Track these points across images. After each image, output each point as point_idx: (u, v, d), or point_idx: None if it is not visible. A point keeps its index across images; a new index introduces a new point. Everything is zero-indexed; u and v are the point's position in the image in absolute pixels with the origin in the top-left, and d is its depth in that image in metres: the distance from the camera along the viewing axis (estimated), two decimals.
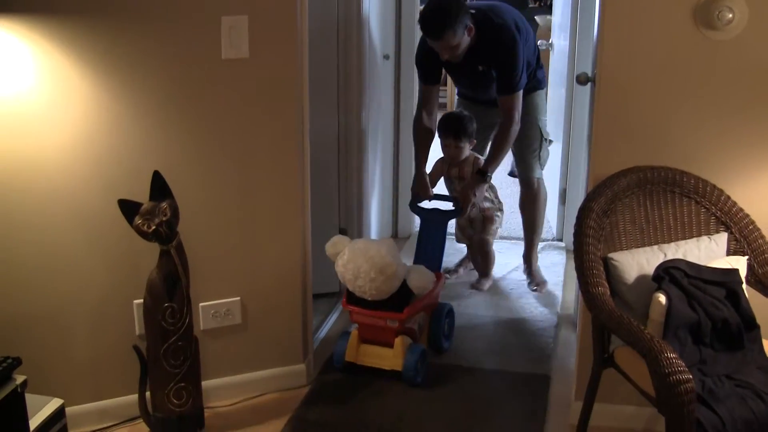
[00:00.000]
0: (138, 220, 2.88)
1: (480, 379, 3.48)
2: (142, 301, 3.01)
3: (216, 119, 3.06)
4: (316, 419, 3.19)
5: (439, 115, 4.20)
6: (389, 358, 3.40)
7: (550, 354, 3.68)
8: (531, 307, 4.14)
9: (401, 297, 3.35)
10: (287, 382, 3.40)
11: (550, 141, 4.32)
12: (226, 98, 3.05)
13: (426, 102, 4.12)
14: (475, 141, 4.14)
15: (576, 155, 4.70)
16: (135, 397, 3.10)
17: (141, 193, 2.89)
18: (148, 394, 3.10)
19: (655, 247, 2.74)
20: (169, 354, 3.01)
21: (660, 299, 2.53)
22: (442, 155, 4.24)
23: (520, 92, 3.92)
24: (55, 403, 2.63)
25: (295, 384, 3.42)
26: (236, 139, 3.11)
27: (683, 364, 2.27)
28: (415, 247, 3.89)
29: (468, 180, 4.10)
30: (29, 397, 2.55)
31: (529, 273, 4.47)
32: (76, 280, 3.02)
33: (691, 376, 2.25)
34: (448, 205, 4.10)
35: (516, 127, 3.94)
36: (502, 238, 4.96)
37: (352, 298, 3.39)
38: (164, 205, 2.89)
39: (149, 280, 2.97)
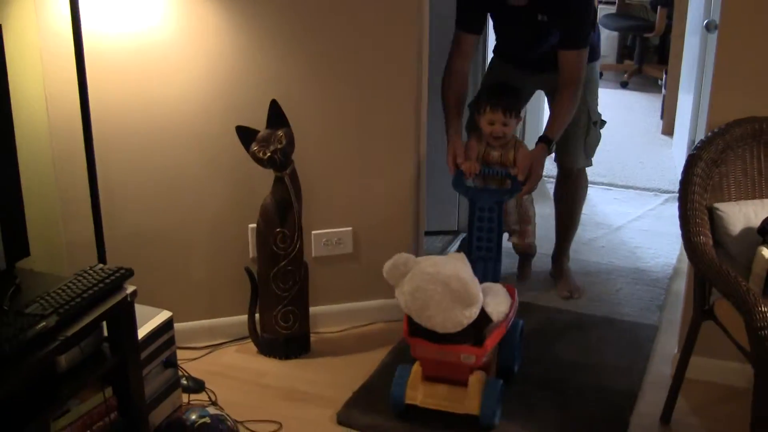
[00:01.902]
0: (254, 147, 3.00)
1: (587, 326, 3.47)
2: (255, 225, 3.15)
3: (335, 53, 3.13)
4: None
5: None
6: (463, 400, 2.79)
7: (661, 305, 3.63)
8: (647, 257, 4.08)
9: (479, 324, 2.74)
10: (394, 314, 3.47)
11: (602, 122, 3.60)
12: (345, 32, 3.11)
13: (464, 55, 3.31)
14: (521, 118, 3.43)
15: (706, 106, 4.55)
16: (245, 317, 3.26)
17: (259, 122, 3.00)
18: (257, 315, 3.26)
19: (766, 200, 2.67)
20: (278, 277, 3.15)
21: (764, 253, 2.48)
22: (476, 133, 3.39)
23: (586, 50, 3.27)
24: (164, 315, 2.78)
25: (401, 316, 3.50)
26: (354, 74, 3.17)
27: None
28: (466, 241, 3.21)
29: (533, 149, 3.29)
30: (141, 308, 2.71)
31: (558, 276, 3.80)
32: (194, 202, 3.17)
33: None
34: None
35: (580, 91, 3.29)
36: (624, 187, 4.90)
37: (416, 328, 2.77)
38: (280, 133, 3.00)
39: (263, 205, 3.10)
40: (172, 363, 2.83)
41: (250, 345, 3.30)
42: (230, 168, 3.14)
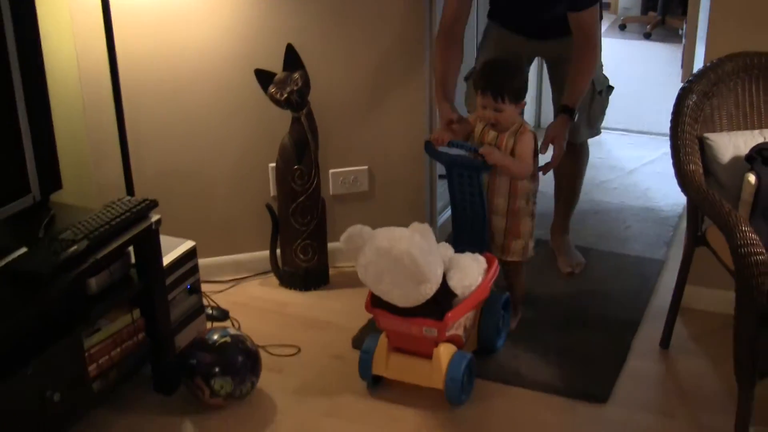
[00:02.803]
0: (272, 89, 3.17)
1: (594, 260, 3.61)
2: (275, 164, 3.33)
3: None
4: None
5: None
6: (427, 373, 2.75)
7: (668, 241, 3.76)
8: (658, 198, 4.20)
9: (441, 297, 2.69)
10: None
11: (609, 88, 3.36)
12: None
13: (456, 17, 3.09)
14: (525, 103, 2.95)
15: None
16: (267, 252, 3.45)
17: (276, 67, 3.17)
18: (278, 250, 3.45)
19: (756, 131, 2.78)
20: (297, 213, 3.33)
21: (750, 179, 2.60)
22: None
23: (597, 7, 3.04)
24: (187, 244, 2.97)
25: None
26: (368, 19, 3.32)
27: (757, 238, 2.35)
28: (451, 212, 3.07)
29: (554, 121, 3.10)
30: (166, 239, 2.91)
31: (559, 251, 3.58)
32: (216, 143, 3.36)
33: (763, 250, 2.33)
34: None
35: (598, 51, 3.13)
36: (639, 132, 5.02)
37: (378, 300, 2.73)
38: (296, 75, 3.17)
39: (281, 144, 3.28)
40: (196, 290, 3.03)
41: (273, 278, 3.49)
42: (250, 110, 3.31)
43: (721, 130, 2.81)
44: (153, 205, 2.73)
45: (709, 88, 2.79)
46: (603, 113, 3.41)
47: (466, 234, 3.01)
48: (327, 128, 3.36)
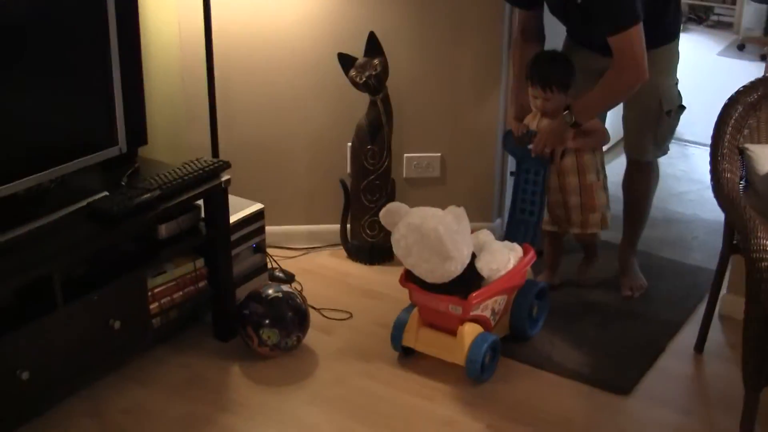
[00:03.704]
0: (352, 72, 3.42)
1: (653, 265, 3.69)
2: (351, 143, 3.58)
3: None
4: None
5: None
6: (452, 349, 2.92)
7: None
8: None
9: (470, 278, 2.85)
10: None
11: (681, 108, 3.29)
12: None
13: (522, 26, 3.27)
14: (571, 92, 3.13)
15: None
16: (338, 225, 3.70)
17: (358, 52, 3.41)
18: (348, 225, 3.69)
19: None
20: (367, 190, 3.57)
21: None
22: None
23: (634, 31, 2.89)
24: (256, 206, 3.25)
25: None
26: (447, 12, 3.52)
27: None
28: (511, 198, 3.25)
29: (555, 120, 3.13)
30: (239, 200, 3.22)
31: (622, 271, 3.52)
32: (299, 119, 3.63)
33: None
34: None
35: (629, 80, 2.97)
36: None
37: (412, 275, 2.92)
38: (376, 61, 3.41)
39: (358, 124, 3.53)
40: (261, 249, 3.31)
41: (341, 250, 3.74)
42: (332, 91, 3.57)
43: (766, 143, 2.89)
44: (225, 166, 3.02)
45: (757, 101, 2.87)
46: (672, 133, 3.38)
47: (516, 231, 3.19)
48: (404, 114, 3.58)
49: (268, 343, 2.99)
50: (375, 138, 3.48)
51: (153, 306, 2.89)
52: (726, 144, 2.81)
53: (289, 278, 3.50)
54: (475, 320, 2.92)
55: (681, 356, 3.14)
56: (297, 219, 3.76)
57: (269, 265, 3.43)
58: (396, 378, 2.99)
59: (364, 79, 3.38)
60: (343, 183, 3.63)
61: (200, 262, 3.03)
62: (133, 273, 2.81)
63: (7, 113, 2.58)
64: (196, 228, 3.02)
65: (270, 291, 3.05)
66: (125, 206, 2.71)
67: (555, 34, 3.34)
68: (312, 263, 3.69)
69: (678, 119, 3.34)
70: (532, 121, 3.21)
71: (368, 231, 3.62)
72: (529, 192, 3.18)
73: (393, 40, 3.45)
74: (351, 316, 3.31)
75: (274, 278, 3.43)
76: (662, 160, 4.23)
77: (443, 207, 3.43)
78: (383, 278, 3.57)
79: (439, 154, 3.73)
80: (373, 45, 3.40)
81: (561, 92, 3.09)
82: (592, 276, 3.52)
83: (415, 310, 2.99)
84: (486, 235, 3.03)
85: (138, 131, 3.03)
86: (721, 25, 7.91)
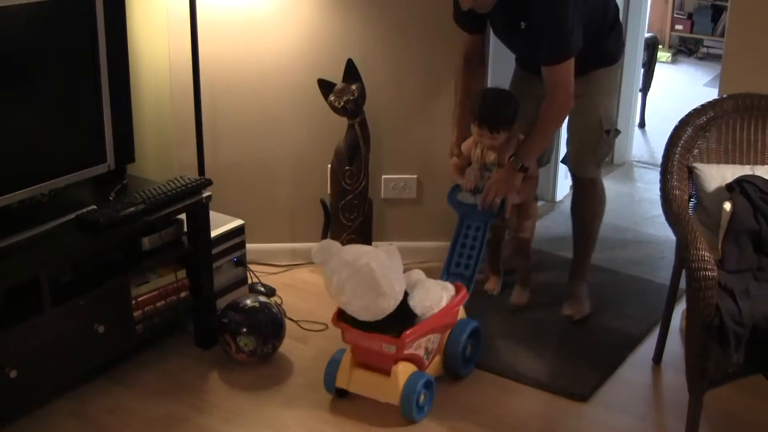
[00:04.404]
0: (331, 97, 3.62)
1: (620, 282, 3.88)
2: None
3: (406, 20, 3.69)
4: None
5: None
6: (386, 389, 2.90)
7: None
8: None
9: (403, 317, 2.85)
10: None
11: (616, 132, 3.44)
12: (415, 3, 3.67)
13: (467, 49, 3.37)
14: (513, 132, 3.26)
15: None
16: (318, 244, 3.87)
17: (337, 77, 3.61)
18: None
19: (747, 166, 3.03)
20: (345, 209, 3.75)
21: (726, 207, 2.86)
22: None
23: (568, 63, 3.04)
24: (237, 222, 3.44)
25: None
26: (423, 38, 3.71)
27: (710, 257, 2.60)
28: (449, 250, 3.30)
29: (503, 167, 3.23)
30: (220, 216, 3.41)
31: (568, 294, 3.57)
32: (282, 141, 3.82)
33: (714, 268, 2.58)
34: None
35: (563, 110, 3.15)
36: None
37: (345, 315, 2.90)
38: (354, 87, 3.60)
39: (336, 146, 3.72)
40: (241, 263, 3.49)
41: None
42: (313, 115, 3.76)
43: (718, 163, 3.06)
44: (207, 183, 3.22)
45: (707, 123, 3.05)
46: (608, 154, 3.60)
47: (455, 267, 3.24)
48: (382, 137, 3.78)
49: (245, 349, 3.16)
50: (353, 160, 3.67)
51: (137, 313, 3.07)
52: (676, 163, 2.99)
53: (270, 292, 3.67)
54: (409, 359, 2.92)
55: (640, 367, 3.30)
56: (279, 237, 3.95)
57: (250, 280, 3.61)
58: None
59: (342, 103, 3.58)
60: (323, 202, 3.82)
61: (182, 273, 3.21)
62: (117, 281, 3.00)
63: (3, 131, 2.79)
64: (179, 241, 3.21)
65: (248, 301, 3.22)
66: (111, 218, 2.90)
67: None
68: (293, 279, 3.87)
69: (613, 142, 3.50)
70: (474, 149, 3.33)
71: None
72: (468, 247, 3.25)
73: (370, 67, 3.65)
74: (327, 327, 3.47)
75: (255, 292, 3.61)
76: (639, 185, 4.41)
77: (418, 227, 3.64)
78: None
79: (416, 176, 3.91)
80: (351, 71, 3.60)
81: (507, 131, 3.23)
82: (532, 301, 3.64)
83: (348, 350, 2.98)
84: (418, 274, 3.04)
85: (126, 150, 3.23)
86: (710, 57, 8.13)
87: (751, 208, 2.85)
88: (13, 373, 2.67)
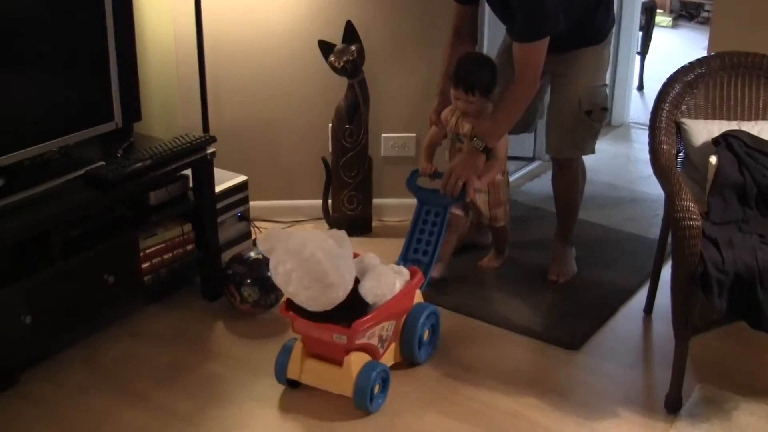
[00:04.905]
0: (331, 58, 3.71)
1: (614, 239, 4.00)
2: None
3: None
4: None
5: None
6: (338, 380, 2.78)
7: None
8: None
9: (354, 305, 2.72)
10: None
11: (602, 112, 3.33)
12: None
13: (457, 27, 3.35)
14: (493, 94, 3.23)
15: None
16: (320, 200, 4.00)
17: (337, 39, 3.71)
18: (330, 200, 3.98)
19: (734, 122, 3.12)
20: (345, 166, 3.86)
21: (711, 160, 2.95)
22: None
23: (539, 43, 3.00)
24: (240, 178, 3.56)
25: None
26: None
27: (695, 207, 2.71)
28: (406, 236, 3.25)
29: (464, 150, 3.23)
30: (225, 172, 3.52)
31: (553, 257, 3.63)
32: (284, 102, 3.94)
33: (698, 218, 2.68)
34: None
35: (527, 91, 3.09)
36: None
37: (293, 304, 2.77)
38: (353, 47, 3.70)
39: (337, 106, 3.82)
40: (245, 218, 3.61)
41: (323, 223, 4.03)
42: (314, 75, 3.87)
43: (705, 119, 3.16)
44: (211, 140, 3.32)
45: (695, 80, 3.14)
46: (594, 135, 3.39)
47: (413, 253, 3.22)
48: (381, 96, 3.88)
49: (249, 300, 3.28)
50: (352, 118, 3.78)
51: (145, 265, 3.19)
52: (664, 118, 3.08)
53: None
54: (363, 349, 2.80)
55: (631, 318, 3.42)
56: (282, 194, 4.07)
57: (254, 235, 3.73)
58: None
59: (342, 63, 3.67)
60: (324, 160, 3.93)
61: (188, 227, 3.33)
62: (126, 234, 3.11)
63: (15, 90, 2.89)
64: (185, 196, 3.32)
65: (252, 254, 3.34)
66: (119, 174, 3.01)
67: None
68: None
69: (601, 122, 3.37)
70: (451, 117, 3.32)
71: (347, 204, 3.91)
72: (426, 233, 3.22)
73: (370, 28, 3.75)
74: None
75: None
76: (636, 146, 4.49)
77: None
78: (361, 248, 3.77)
79: (414, 135, 4.01)
80: (350, 33, 3.69)
81: (483, 96, 3.19)
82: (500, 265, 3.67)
83: (299, 341, 2.85)
84: (371, 259, 2.92)
85: (133, 109, 3.34)
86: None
87: (736, 161, 2.95)
88: (28, 320, 2.80)
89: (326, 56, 3.72)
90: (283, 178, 4.05)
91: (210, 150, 3.29)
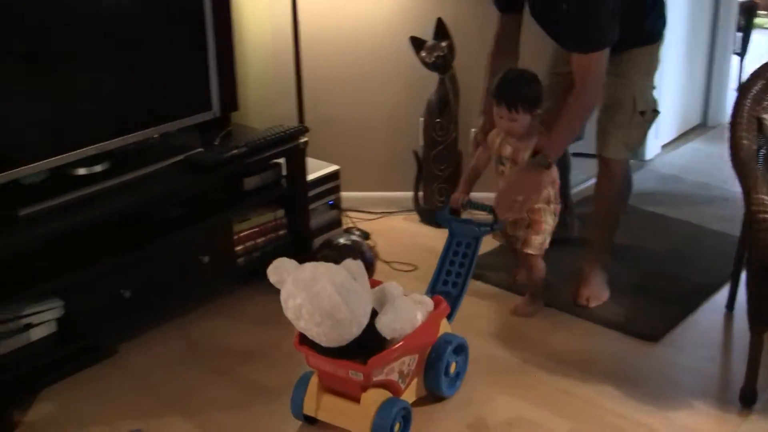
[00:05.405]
0: (422, 53, 3.84)
1: (697, 234, 4.00)
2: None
3: None
4: None
5: None
6: (356, 418, 2.59)
7: None
8: None
9: (371, 339, 2.53)
10: None
11: (654, 113, 3.26)
12: None
13: (499, 38, 3.26)
14: (539, 111, 3.06)
15: None
16: (411, 192, 4.12)
17: (428, 36, 3.83)
18: (420, 192, 4.10)
19: None
20: (436, 159, 3.98)
21: None
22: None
23: (602, 53, 2.93)
24: (332, 167, 3.72)
25: None
26: None
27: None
28: (436, 267, 3.12)
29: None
30: (318, 162, 3.68)
31: (582, 277, 3.41)
32: (377, 95, 4.08)
33: None
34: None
35: (591, 100, 3.01)
36: None
37: (307, 338, 2.57)
38: (443, 43, 3.81)
39: (428, 100, 3.94)
40: (336, 206, 3.76)
41: (414, 214, 4.16)
42: (405, 70, 4.00)
43: None
44: (304, 130, 3.49)
45: None
46: (642, 137, 3.31)
47: (442, 285, 3.10)
48: (472, 92, 3.95)
49: None
50: (443, 112, 3.89)
51: (238, 247, 3.37)
52: (745, 114, 3.08)
53: (365, 236, 3.93)
54: (382, 385, 2.61)
55: (712, 313, 3.42)
56: (373, 186, 4.21)
57: (346, 224, 3.88)
58: None
59: (433, 59, 3.79)
60: (415, 153, 4.05)
61: (280, 213, 3.50)
62: (221, 217, 3.30)
63: (121, 80, 3.12)
64: (278, 183, 3.49)
65: (341, 240, 3.49)
66: (216, 160, 3.20)
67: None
68: (387, 225, 4.12)
69: (650, 125, 3.29)
70: (496, 139, 3.17)
71: (438, 196, 4.02)
72: (457, 264, 3.09)
73: (460, 25, 3.85)
74: (416, 268, 3.71)
75: (349, 233, 3.86)
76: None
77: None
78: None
79: None
80: (441, 29, 3.81)
81: (527, 113, 3.01)
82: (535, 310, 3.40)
83: (315, 375, 2.68)
84: (391, 288, 2.70)
85: (230, 99, 3.53)
86: None
87: None
88: (128, 294, 3.00)
89: (417, 52, 3.84)
90: (374, 170, 4.19)
91: (302, 140, 3.44)
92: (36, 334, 2.89)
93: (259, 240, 3.43)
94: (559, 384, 3.00)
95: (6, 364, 2.78)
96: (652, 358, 3.16)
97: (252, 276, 3.54)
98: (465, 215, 3.33)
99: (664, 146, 5.01)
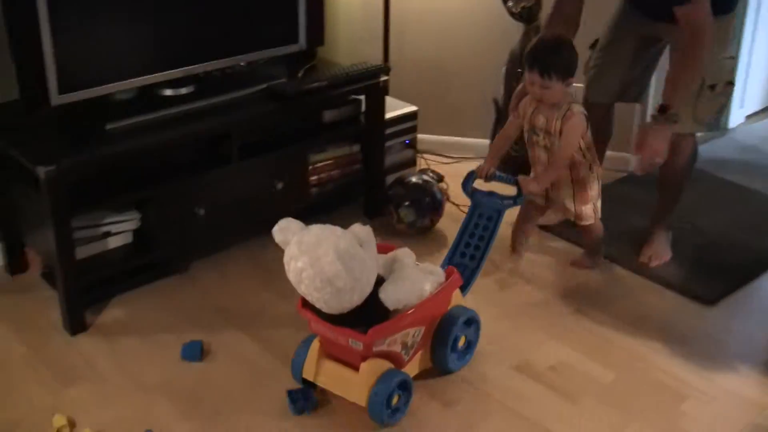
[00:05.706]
0: (509, 3, 3.87)
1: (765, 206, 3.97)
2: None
3: None
4: None
5: None
6: (353, 387, 2.51)
7: None
8: None
9: (375, 308, 2.45)
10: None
11: (729, 85, 3.14)
12: None
13: (556, 12, 3.19)
14: (572, 80, 2.96)
15: None
16: (487, 140, 4.18)
17: None
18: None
19: None
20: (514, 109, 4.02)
21: None
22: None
23: (701, 4, 2.83)
24: (411, 107, 3.82)
25: None
26: None
27: None
28: (455, 238, 3.08)
29: (649, 124, 2.98)
30: (397, 101, 3.77)
31: (648, 238, 3.48)
32: (462, 43, 4.15)
33: None
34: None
35: (706, 49, 2.87)
36: None
37: (309, 303, 2.47)
38: None
39: (511, 50, 3.98)
40: (412, 146, 3.86)
41: None
42: (491, 18, 4.05)
43: None
44: (386, 69, 3.58)
45: None
46: (716, 111, 3.19)
47: (460, 257, 3.06)
48: None
49: (405, 221, 3.53)
50: None
51: (313, 177, 3.50)
52: None
53: (438, 178, 4.02)
54: (383, 356, 2.53)
55: None
56: (451, 131, 4.29)
57: (421, 166, 3.97)
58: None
59: (519, 9, 3.83)
60: (495, 102, 4.10)
61: (356, 148, 3.61)
62: (297, 146, 3.43)
63: (213, 8, 3.24)
64: (356, 118, 3.60)
65: (413, 178, 3.60)
66: (297, 90, 3.32)
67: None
68: (461, 169, 4.14)
69: (726, 97, 3.21)
70: (528, 108, 3.11)
71: (514, 145, 4.06)
72: (477, 237, 3.05)
73: None
74: None
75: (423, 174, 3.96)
76: None
77: None
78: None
79: (582, 85, 4.10)
80: None
81: (560, 81, 2.93)
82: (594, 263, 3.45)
83: (316, 340, 2.61)
84: (404, 255, 2.65)
85: (317, 34, 3.63)
86: None
87: None
88: (202, 212, 3.17)
89: (505, 1, 3.88)
90: (453, 115, 4.26)
91: (383, 78, 3.54)
92: (113, 242, 3.08)
93: (333, 172, 3.56)
94: (608, 335, 3.07)
95: (83, 269, 2.98)
96: (705, 321, 3.19)
97: (324, 207, 3.67)
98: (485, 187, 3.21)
99: (749, 116, 4.96)
